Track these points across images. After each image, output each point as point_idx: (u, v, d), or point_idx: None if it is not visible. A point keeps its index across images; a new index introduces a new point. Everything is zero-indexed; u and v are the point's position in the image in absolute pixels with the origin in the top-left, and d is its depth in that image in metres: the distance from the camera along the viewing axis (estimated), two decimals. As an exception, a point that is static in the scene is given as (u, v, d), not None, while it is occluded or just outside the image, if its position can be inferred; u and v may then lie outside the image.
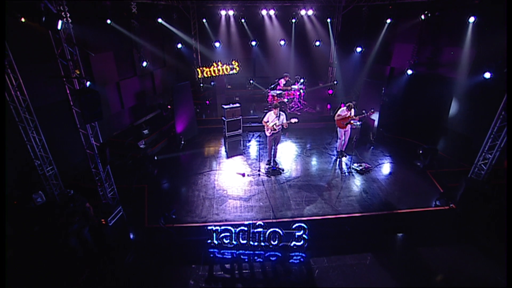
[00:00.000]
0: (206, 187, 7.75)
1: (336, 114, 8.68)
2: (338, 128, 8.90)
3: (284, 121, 8.01)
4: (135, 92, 11.08)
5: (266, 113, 8.24)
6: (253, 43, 14.11)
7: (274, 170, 8.41)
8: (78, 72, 5.39)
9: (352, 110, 8.55)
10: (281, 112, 8.02)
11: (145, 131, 9.92)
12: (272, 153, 8.65)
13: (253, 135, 10.87)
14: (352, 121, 8.59)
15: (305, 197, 7.28)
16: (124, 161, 8.57)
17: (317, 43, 14.31)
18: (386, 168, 8.71)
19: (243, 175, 8.22)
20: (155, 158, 8.88)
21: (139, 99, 11.27)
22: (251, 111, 12.51)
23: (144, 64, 10.84)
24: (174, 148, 9.91)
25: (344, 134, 8.85)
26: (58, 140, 6.86)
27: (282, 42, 14.26)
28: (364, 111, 8.64)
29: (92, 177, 6.24)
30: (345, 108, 8.54)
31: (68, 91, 5.19)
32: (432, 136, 10.41)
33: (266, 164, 8.75)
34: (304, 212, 6.80)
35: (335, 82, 14.43)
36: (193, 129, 10.73)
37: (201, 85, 13.71)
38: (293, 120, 7.84)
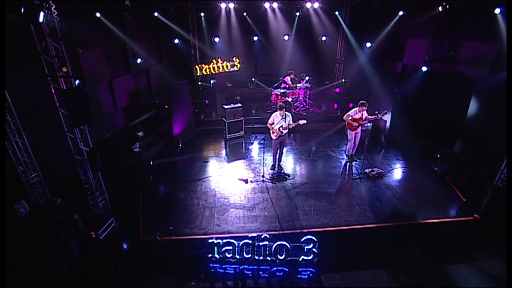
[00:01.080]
0: (206, 195, 7.47)
1: (347, 115, 8.39)
2: (348, 130, 8.61)
3: (291, 122, 7.76)
4: (129, 91, 10.81)
5: (271, 114, 7.99)
6: (255, 38, 13.83)
7: (279, 175, 8.14)
8: (65, 70, 5.09)
9: (364, 112, 8.24)
10: (287, 113, 7.78)
11: (140, 133, 9.66)
12: (277, 157, 8.36)
13: (256, 137, 10.60)
14: (363, 123, 8.30)
15: (314, 206, 7.01)
16: (116, 166, 8.30)
17: (323, 38, 14.01)
18: (400, 173, 8.43)
19: (246, 181, 7.97)
20: (151, 162, 8.61)
21: (133, 99, 11.00)
22: (253, 111, 12.29)
23: (139, 61, 10.57)
24: (171, 151, 9.65)
25: (355, 136, 8.57)
26: (44, 143, 6.57)
27: (286, 37, 13.99)
28: (376, 112, 8.35)
29: (82, 184, 5.95)
30: (357, 108, 8.23)
31: (53, 91, 4.88)
32: (449, 138, 10.14)
33: (271, 169, 8.47)
34: (313, 222, 6.52)
35: (343, 80, 14.19)
36: (192, 131, 10.50)
37: (200, 83, 13.43)
38: (301, 122, 7.59)
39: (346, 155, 9.11)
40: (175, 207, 7.02)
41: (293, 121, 7.76)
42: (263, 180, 8.01)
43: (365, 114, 8.28)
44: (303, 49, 14.75)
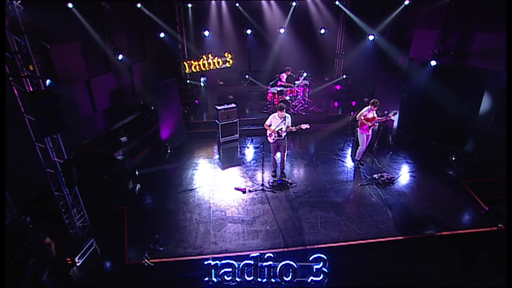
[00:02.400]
0: (200, 208, 7.03)
1: (360, 113, 7.97)
2: (358, 132, 8.21)
3: (290, 124, 7.44)
4: (110, 91, 10.27)
5: (268, 115, 7.66)
6: (249, 31, 13.40)
7: (281, 183, 7.77)
8: (32, 69, 4.55)
9: (374, 112, 7.88)
10: (287, 115, 7.45)
11: (123, 139, 9.18)
12: (279, 162, 8.02)
13: (252, 140, 10.25)
14: (375, 123, 7.95)
15: (321, 218, 6.68)
16: (97, 176, 7.80)
17: (322, 31, 13.72)
18: (412, 178, 8.17)
19: (244, 190, 7.58)
20: (136, 172, 8.10)
21: (115, 100, 10.47)
22: (247, 111, 12.01)
23: (120, 57, 10.05)
24: (159, 158, 9.20)
25: (366, 139, 8.19)
26: (9, 153, 5.96)
27: (282, 30, 13.60)
28: (386, 112, 7.99)
29: (56, 200, 5.41)
30: (369, 107, 7.84)
31: (17, 94, 4.33)
32: (462, 139, 9.98)
33: (272, 175, 8.09)
34: (321, 237, 6.18)
35: (344, 76, 13.96)
36: (181, 135, 10.08)
37: (189, 81, 12.99)
38: (304, 126, 7.27)
39: (353, 160, 8.82)
40: (165, 223, 6.57)
41: (293, 124, 7.43)
42: (262, 189, 7.65)
43: (374, 114, 7.94)
44: (300, 43, 14.40)
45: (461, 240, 6.20)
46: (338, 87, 14.03)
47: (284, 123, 7.38)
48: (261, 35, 14.17)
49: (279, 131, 7.42)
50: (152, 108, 11.14)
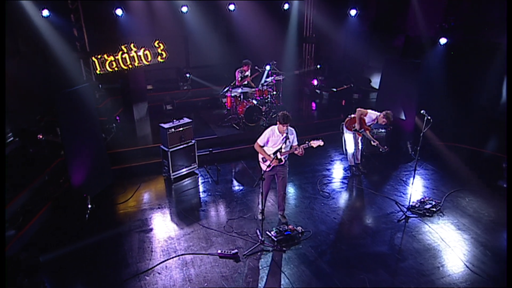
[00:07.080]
0: (173, 305, 5.39)
1: (362, 113, 8.40)
2: (352, 134, 8.73)
3: (295, 143, 6.72)
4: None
5: (264, 130, 6.84)
6: (184, 9, 12.30)
7: (289, 235, 6.72)
8: None
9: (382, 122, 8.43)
10: (290, 129, 6.67)
11: None
12: (266, 198, 7.23)
13: (218, 170, 9.06)
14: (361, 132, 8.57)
15: (370, 284, 5.72)
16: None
17: (286, 6, 13.44)
18: (460, 200, 7.92)
19: (235, 256, 6.30)
20: (40, 259, 6.09)
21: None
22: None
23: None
24: (74, 222, 7.34)
25: (360, 140, 8.93)
26: None
27: (232, 7, 12.91)
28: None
29: None
30: (378, 114, 8.31)
31: None
32: (490, 136, 10.24)
33: (260, 214, 7.02)
34: (385, 318, 5.22)
35: (318, 66, 14.21)
36: (105, 174, 8.55)
37: (100, 86, 11.58)
38: (314, 144, 6.50)
39: (349, 166, 9.24)
40: None
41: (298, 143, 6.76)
42: (262, 249, 6.46)
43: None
44: (260, 25, 13.83)
45: None
46: (314, 81, 14.05)
47: (288, 142, 6.51)
48: (203, 14, 13.27)
49: (279, 154, 6.53)
50: (40, 137, 9.41)
